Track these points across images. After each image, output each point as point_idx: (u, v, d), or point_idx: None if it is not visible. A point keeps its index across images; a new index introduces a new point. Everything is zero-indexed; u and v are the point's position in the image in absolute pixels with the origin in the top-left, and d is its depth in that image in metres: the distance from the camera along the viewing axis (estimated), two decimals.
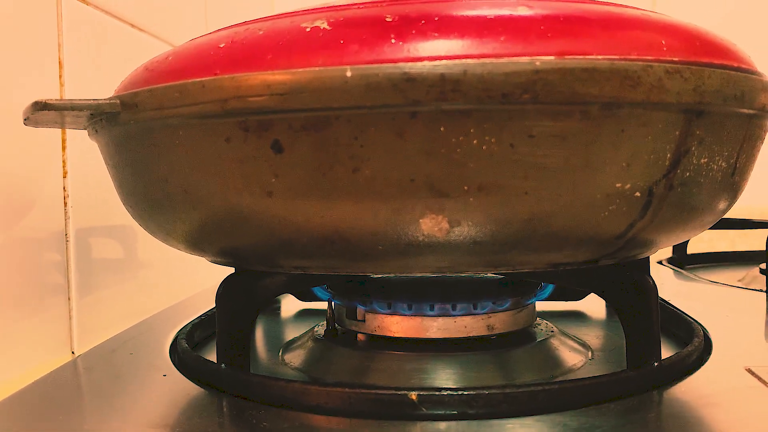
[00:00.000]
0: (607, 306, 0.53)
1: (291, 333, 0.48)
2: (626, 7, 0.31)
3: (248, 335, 0.35)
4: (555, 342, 0.39)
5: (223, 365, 0.33)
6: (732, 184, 0.32)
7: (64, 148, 0.47)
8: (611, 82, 0.25)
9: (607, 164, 0.27)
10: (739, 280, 0.67)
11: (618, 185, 0.27)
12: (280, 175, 0.27)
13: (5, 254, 0.41)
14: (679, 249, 0.78)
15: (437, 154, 0.26)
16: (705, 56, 0.28)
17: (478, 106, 0.25)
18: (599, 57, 0.26)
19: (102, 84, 0.50)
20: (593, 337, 0.45)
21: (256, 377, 0.32)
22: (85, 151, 0.47)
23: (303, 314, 0.55)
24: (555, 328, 0.42)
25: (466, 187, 0.26)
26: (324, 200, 0.27)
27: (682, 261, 0.77)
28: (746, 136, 0.31)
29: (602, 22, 0.27)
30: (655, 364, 0.32)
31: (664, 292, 0.55)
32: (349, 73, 0.25)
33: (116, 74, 0.51)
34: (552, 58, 0.25)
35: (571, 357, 0.39)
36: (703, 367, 0.35)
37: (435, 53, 0.25)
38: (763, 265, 0.65)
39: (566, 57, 0.25)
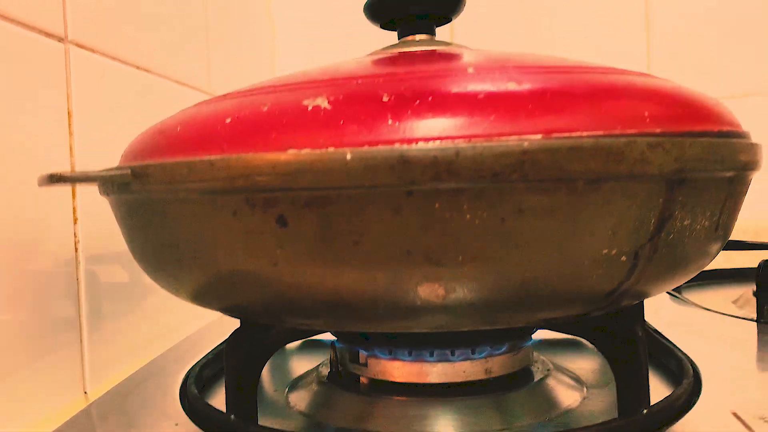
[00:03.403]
0: None
1: (296, 368, 0.49)
2: (612, 72, 0.33)
3: (256, 386, 0.36)
4: (551, 382, 0.41)
5: (232, 416, 0.35)
6: (716, 238, 0.34)
7: (74, 196, 0.48)
8: (596, 158, 0.27)
9: (594, 233, 0.28)
10: (734, 302, 0.68)
11: (605, 251, 0.29)
12: (285, 247, 0.29)
13: (16, 299, 0.43)
14: None
15: (432, 228, 0.27)
16: (686, 124, 0.30)
17: (470, 184, 0.26)
18: (584, 134, 0.27)
19: (110, 127, 0.52)
20: (588, 370, 0.46)
21: (265, 430, 0.33)
22: (96, 200, 0.49)
23: (308, 346, 0.56)
24: (551, 365, 0.43)
25: (460, 258, 0.28)
26: (327, 269, 0.29)
27: None
28: (728, 194, 0.32)
29: (587, 95, 0.29)
30: (644, 411, 0.34)
31: (658, 320, 0.56)
32: (348, 156, 0.26)
33: (124, 114, 0.53)
34: (539, 137, 0.27)
35: (567, 396, 0.40)
36: (692, 411, 0.36)
37: (429, 134, 0.27)
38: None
39: (552, 136, 0.27)
